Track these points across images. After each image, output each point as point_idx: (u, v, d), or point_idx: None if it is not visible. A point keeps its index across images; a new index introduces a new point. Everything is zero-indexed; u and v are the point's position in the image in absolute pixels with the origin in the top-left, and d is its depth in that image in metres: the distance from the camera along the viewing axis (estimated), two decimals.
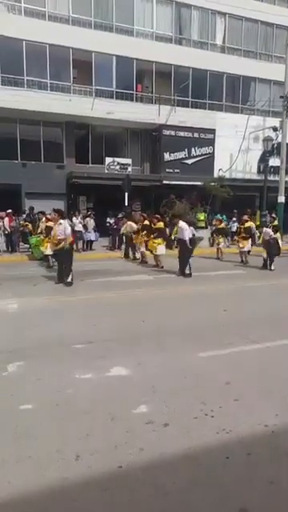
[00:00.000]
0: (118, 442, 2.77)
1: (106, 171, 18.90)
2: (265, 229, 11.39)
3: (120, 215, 15.23)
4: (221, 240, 13.26)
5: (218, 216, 16.00)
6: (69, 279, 8.35)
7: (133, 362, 4.19)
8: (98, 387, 3.64)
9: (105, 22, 18.43)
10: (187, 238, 9.78)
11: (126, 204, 16.01)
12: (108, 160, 19.09)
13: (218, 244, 13.20)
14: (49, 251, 10.50)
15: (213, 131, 20.22)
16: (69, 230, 8.53)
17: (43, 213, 12.52)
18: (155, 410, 3.21)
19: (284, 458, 2.66)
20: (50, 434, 2.87)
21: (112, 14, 18.47)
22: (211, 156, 20.46)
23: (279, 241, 11.67)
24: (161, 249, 10.99)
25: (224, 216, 17.24)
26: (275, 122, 19.27)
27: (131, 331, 5.29)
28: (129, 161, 19.44)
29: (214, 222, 15.14)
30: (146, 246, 11.58)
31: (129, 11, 18.74)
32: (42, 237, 11.44)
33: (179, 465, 2.57)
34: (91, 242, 15.00)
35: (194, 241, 10.44)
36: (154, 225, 11.31)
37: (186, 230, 9.78)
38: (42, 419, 3.08)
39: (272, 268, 10.87)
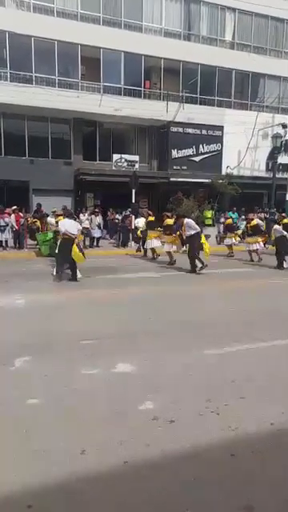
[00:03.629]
0: (124, 438, 2.78)
1: (114, 168, 18.90)
2: (276, 226, 11.23)
3: (127, 212, 15.23)
4: (229, 237, 13.19)
5: (230, 214, 15.91)
6: (78, 275, 8.38)
7: (139, 358, 4.20)
8: (104, 383, 3.65)
9: (113, 18, 18.37)
10: (199, 229, 9.83)
11: (134, 201, 16.01)
12: (115, 157, 19.09)
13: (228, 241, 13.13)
14: None
15: (221, 128, 20.09)
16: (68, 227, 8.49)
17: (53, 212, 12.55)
18: (161, 406, 3.22)
19: (283, 453, 2.65)
20: (56, 429, 2.89)
21: (121, 9, 18.40)
22: (219, 153, 20.34)
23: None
24: (168, 245, 10.95)
25: (236, 214, 17.15)
26: (284, 118, 19.13)
27: (138, 328, 5.29)
28: (136, 158, 19.41)
29: (221, 220, 15.08)
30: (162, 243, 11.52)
31: (137, 7, 18.66)
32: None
33: (184, 461, 2.57)
34: (97, 238, 15.03)
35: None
36: (164, 222, 11.30)
37: (193, 226, 9.76)
38: (48, 414, 3.09)
39: (285, 266, 10.68)
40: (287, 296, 7.77)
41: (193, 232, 9.73)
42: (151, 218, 12.06)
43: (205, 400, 3.32)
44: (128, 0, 18.42)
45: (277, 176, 18.12)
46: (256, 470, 2.51)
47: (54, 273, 8.58)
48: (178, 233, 10.66)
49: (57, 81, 17.87)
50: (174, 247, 10.92)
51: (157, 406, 3.22)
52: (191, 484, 2.36)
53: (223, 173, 19.97)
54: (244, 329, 5.31)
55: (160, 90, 19.69)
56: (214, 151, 20.28)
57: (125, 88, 18.97)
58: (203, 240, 10.00)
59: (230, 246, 13.05)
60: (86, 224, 14.42)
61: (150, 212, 12.85)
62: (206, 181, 19.08)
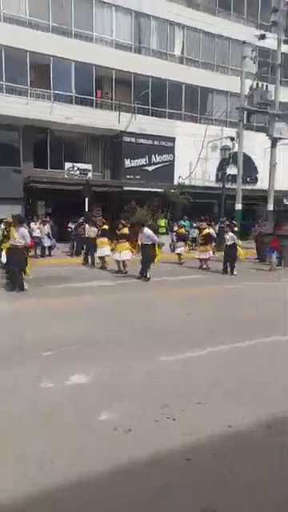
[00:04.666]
0: (83, 451, 2.64)
1: (66, 176, 18.56)
2: (230, 233, 11.53)
3: (80, 220, 14.95)
4: (180, 245, 13.40)
5: (182, 222, 16.19)
6: (24, 286, 8.00)
7: (97, 367, 4.06)
8: (62, 395, 3.48)
9: (63, 27, 18.24)
10: (157, 240, 9.99)
11: (87, 209, 15.77)
12: (68, 165, 18.77)
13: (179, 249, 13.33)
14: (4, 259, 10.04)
15: (172, 139, 20.56)
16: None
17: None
18: (118, 416, 3.11)
19: (246, 458, 2.63)
20: (11, 444, 2.70)
21: (71, 19, 18.34)
22: (171, 163, 20.76)
23: (238, 247, 11.97)
24: (126, 254, 10.84)
25: (187, 222, 17.46)
26: (232, 132, 19.94)
27: (94, 337, 5.11)
28: (89, 166, 19.23)
29: (174, 228, 15.30)
30: (112, 250, 11.39)
31: (88, 17, 18.71)
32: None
33: (144, 470, 2.48)
34: (49, 247, 14.56)
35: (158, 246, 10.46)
36: (119, 230, 11.20)
37: (151, 236, 9.81)
38: (3, 429, 2.89)
39: (235, 273, 11.05)
40: (239, 301, 7.95)
41: (149, 242, 9.77)
42: (105, 227, 11.93)
43: (163, 407, 3.24)
44: (78, 10, 18.42)
45: (226, 186, 18.81)
46: (214, 473, 2.45)
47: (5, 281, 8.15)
48: (135, 240, 10.63)
49: (4, 86, 17.31)
50: (128, 256, 10.82)
51: (115, 415, 3.11)
52: (151, 492, 2.28)
53: (175, 183, 20.37)
54: (200, 334, 5.33)
55: (112, 100, 19.78)
56: (167, 161, 20.67)
57: (76, 97, 18.81)
58: (157, 251, 10.09)
59: (179, 254, 13.24)
60: (38, 233, 13.93)
61: (103, 220, 12.70)
62: (159, 190, 19.33)
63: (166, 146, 20.56)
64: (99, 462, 2.51)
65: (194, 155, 20.92)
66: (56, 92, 18.34)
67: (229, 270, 11.10)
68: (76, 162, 19.07)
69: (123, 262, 10.90)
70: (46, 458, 2.54)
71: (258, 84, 18.55)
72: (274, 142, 18.51)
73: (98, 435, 2.85)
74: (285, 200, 23.90)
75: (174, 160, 20.80)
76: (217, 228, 16.15)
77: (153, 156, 20.30)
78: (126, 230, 11.21)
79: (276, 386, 3.70)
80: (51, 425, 2.97)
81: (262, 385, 3.71)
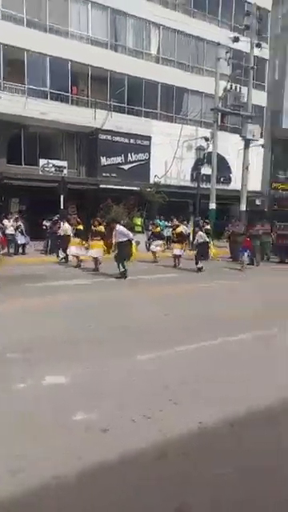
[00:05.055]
0: (55, 452, 2.66)
1: (41, 173, 18.29)
2: (200, 233, 11.86)
3: (55, 218, 14.80)
4: (155, 244, 13.56)
5: (157, 221, 16.34)
6: None
7: (73, 367, 4.08)
8: (37, 395, 3.48)
9: (38, 21, 17.90)
10: (132, 237, 10.05)
11: (62, 207, 15.63)
12: (42, 162, 18.51)
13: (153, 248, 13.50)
14: None
15: (148, 138, 20.66)
16: None
17: None
18: (94, 416, 3.15)
19: (216, 455, 2.75)
20: None
21: (46, 13, 18.02)
22: (147, 162, 20.86)
23: (210, 245, 12.29)
24: (98, 251, 10.87)
25: (163, 221, 17.62)
26: (206, 132, 20.27)
27: (70, 337, 5.12)
28: (64, 163, 19.04)
29: (150, 227, 15.44)
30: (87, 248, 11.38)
31: (63, 12, 18.44)
32: None
33: (118, 469, 2.54)
34: (23, 245, 14.35)
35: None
36: (95, 227, 11.21)
37: (125, 232, 9.88)
38: None
39: (199, 266, 11.37)
40: (212, 299, 8.17)
41: (124, 239, 9.84)
42: (80, 226, 11.90)
43: (137, 406, 3.32)
44: (53, 4, 18.12)
45: (201, 186, 19.13)
46: (186, 471, 2.56)
47: None
48: (111, 241, 10.66)
49: None
50: (98, 254, 10.85)
51: (90, 415, 3.15)
52: (123, 492, 2.35)
53: (151, 181, 20.50)
54: (175, 332, 5.45)
55: (88, 97, 19.62)
56: (142, 160, 20.75)
57: (51, 92, 18.53)
58: (133, 248, 10.17)
59: (154, 253, 13.42)
60: (11, 230, 13.69)
61: (78, 220, 12.66)
62: (135, 189, 19.40)
63: (141, 144, 20.63)
64: (74, 463, 2.54)
65: (170, 154, 21.13)
66: (30, 87, 18.01)
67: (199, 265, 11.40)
68: (51, 159, 18.84)
69: (95, 259, 10.94)
70: (18, 461, 2.54)
71: (231, 86, 18.94)
72: (247, 143, 18.99)
73: (73, 435, 2.87)
74: (257, 201, 24.60)
75: (149, 159, 20.91)
76: (190, 227, 16.45)
77: (129, 154, 20.33)
78: (101, 228, 11.24)
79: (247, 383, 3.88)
80: (23, 426, 2.96)
81: (229, 383, 3.88)
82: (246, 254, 12.45)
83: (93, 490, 2.34)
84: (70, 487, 2.37)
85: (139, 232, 17.07)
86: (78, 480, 2.42)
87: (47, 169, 18.53)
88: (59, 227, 13.51)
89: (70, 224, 12.62)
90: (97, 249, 10.85)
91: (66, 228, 12.68)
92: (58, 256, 12.84)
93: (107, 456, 2.63)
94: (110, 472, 2.51)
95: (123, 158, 20.19)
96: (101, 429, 2.95)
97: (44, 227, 15.30)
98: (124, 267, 9.82)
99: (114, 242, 10.16)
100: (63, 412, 3.19)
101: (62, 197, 15.55)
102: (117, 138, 19.85)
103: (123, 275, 9.77)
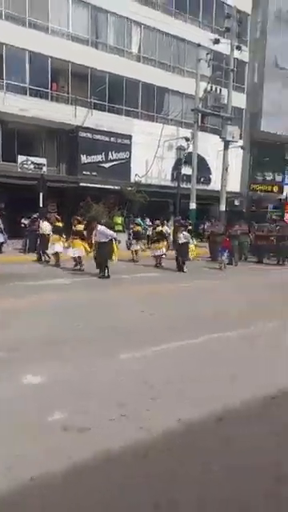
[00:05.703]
0: (31, 453, 2.61)
1: (19, 170, 17.96)
2: (184, 233, 11.90)
3: (34, 216, 14.57)
4: (136, 243, 13.56)
5: (138, 220, 16.34)
6: None
7: (55, 367, 4.03)
8: (13, 396, 3.41)
9: (18, 15, 17.56)
10: (115, 236, 10.03)
11: (41, 205, 15.40)
12: (21, 158, 18.17)
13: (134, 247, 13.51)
14: None
15: (129, 137, 20.63)
16: None
17: None
18: (72, 415, 3.11)
19: (197, 451, 2.77)
20: None
21: (25, 7, 17.69)
22: (128, 161, 20.82)
23: (191, 245, 12.39)
24: (79, 250, 10.75)
25: (143, 220, 17.62)
26: (187, 132, 20.42)
27: (49, 337, 5.05)
28: (44, 160, 18.76)
29: (130, 226, 15.43)
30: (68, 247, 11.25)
31: (44, 7, 18.16)
32: None
33: (96, 469, 2.51)
34: (1, 244, 14.05)
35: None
36: (75, 226, 11.10)
37: (106, 232, 9.83)
38: None
39: (185, 270, 11.46)
40: (193, 298, 8.24)
41: (106, 239, 9.79)
42: (59, 224, 11.77)
43: (117, 404, 3.30)
44: None
45: (181, 186, 19.26)
46: (167, 468, 2.57)
47: None
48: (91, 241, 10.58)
49: None
50: (79, 252, 10.77)
51: (68, 415, 3.11)
52: (103, 491, 2.33)
53: (132, 180, 20.48)
54: (156, 331, 5.47)
55: (68, 93, 19.40)
56: (123, 159, 20.70)
57: (31, 88, 18.23)
58: (115, 247, 10.14)
59: (135, 252, 13.43)
60: None
61: (57, 217, 12.51)
62: (116, 187, 19.35)
63: (122, 143, 20.58)
64: (55, 463, 2.51)
65: (151, 154, 21.17)
66: (9, 82, 17.66)
67: (181, 267, 11.49)
68: (30, 156, 18.53)
69: (78, 258, 10.84)
70: None
71: (212, 87, 19.16)
72: (227, 144, 19.25)
73: (53, 435, 2.83)
74: (236, 201, 25.00)
75: (130, 158, 20.88)
76: (170, 227, 16.51)
77: (109, 153, 20.24)
78: (81, 227, 11.14)
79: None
80: (1, 426, 2.91)
81: (214, 381, 3.93)
82: (225, 254, 12.62)
83: (77, 490, 2.32)
84: (53, 487, 2.33)
85: (120, 231, 17.02)
86: (60, 480, 2.39)
87: (26, 166, 18.22)
88: (38, 225, 13.30)
89: (49, 222, 12.45)
90: (78, 248, 10.75)
91: (45, 227, 12.50)
92: (38, 255, 12.62)
93: (90, 455, 2.61)
94: (94, 471, 2.49)
95: (104, 156, 20.08)
96: (83, 428, 2.92)
97: (22, 225, 15.03)
98: (107, 267, 9.75)
99: (93, 241, 10.10)
100: (44, 412, 3.15)
101: (41, 195, 15.32)
102: (97, 136, 19.73)
103: (104, 275, 9.72)
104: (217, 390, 3.69)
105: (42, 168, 18.38)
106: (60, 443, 2.75)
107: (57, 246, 11.44)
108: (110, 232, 10.08)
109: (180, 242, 11.68)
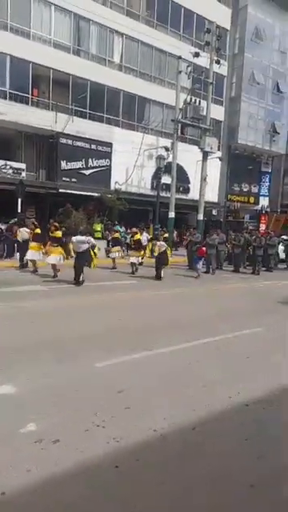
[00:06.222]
0: (1, 466, 2.57)
1: None
2: (159, 242, 12.07)
3: (12, 221, 14.37)
4: (114, 250, 13.58)
5: (117, 227, 16.37)
6: None
7: (23, 377, 3.97)
8: None
9: None
10: (93, 242, 10.10)
11: (20, 210, 15.20)
12: (0, 163, 17.91)
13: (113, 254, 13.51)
14: None
15: (110, 145, 20.73)
16: None
17: None
18: (45, 426, 3.09)
19: (170, 461, 2.81)
20: None
21: (7, 11, 17.60)
22: (108, 168, 20.89)
23: (168, 252, 12.53)
24: (56, 258, 10.66)
25: (123, 228, 17.66)
26: (167, 142, 20.71)
27: (22, 345, 4.99)
28: (23, 166, 18.56)
29: (106, 233, 15.47)
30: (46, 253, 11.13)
31: (25, 12, 18.12)
32: None
33: (69, 481, 2.51)
34: None
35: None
36: (52, 233, 10.99)
37: (84, 240, 9.81)
38: None
39: (162, 277, 11.57)
40: (170, 306, 8.32)
41: (84, 249, 9.77)
42: (37, 231, 11.63)
43: (91, 414, 3.30)
44: (15, 3, 17.75)
45: (160, 194, 19.46)
46: (139, 478, 2.59)
47: None
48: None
49: None
50: (55, 260, 10.67)
51: (40, 426, 3.08)
52: (74, 504, 2.33)
53: (112, 188, 20.54)
54: (132, 339, 5.48)
55: (49, 99, 19.35)
56: (103, 166, 20.76)
57: (10, 92, 18.08)
58: (93, 255, 10.14)
59: (113, 259, 13.44)
60: None
61: (35, 223, 12.38)
62: (96, 194, 19.35)
63: (103, 150, 20.65)
64: (21, 477, 2.48)
65: (131, 162, 21.33)
66: None
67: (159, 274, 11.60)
68: (8, 160, 18.29)
69: (53, 265, 10.74)
70: None
71: (191, 99, 19.55)
72: (205, 155, 19.64)
73: (21, 448, 2.79)
74: (213, 211, 25.48)
75: (110, 165, 20.96)
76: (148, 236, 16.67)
77: (90, 160, 20.26)
78: (58, 234, 11.04)
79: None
80: None
81: (188, 389, 3.98)
82: (200, 262, 12.80)
83: (44, 503, 2.30)
84: (17, 502, 2.31)
85: (99, 238, 17.02)
86: (26, 494, 2.36)
87: (4, 170, 17.96)
88: (16, 231, 13.10)
89: (30, 229, 12.25)
90: (54, 255, 10.64)
91: (23, 233, 12.30)
92: (21, 262, 12.39)
93: (58, 468, 2.59)
94: (62, 484, 2.47)
95: (84, 163, 20.08)
96: (51, 440, 2.89)
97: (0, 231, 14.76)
98: (82, 274, 9.75)
99: (72, 250, 10.11)
100: (9, 425, 3.08)
101: (19, 200, 15.13)
102: (78, 143, 19.73)
103: (79, 281, 9.70)
104: (191, 398, 3.75)
105: (20, 173, 18.18)
106: (32, 456, 2.72)
107: (34, 252, 11.29)
108: (88, 238, 10.03)
109: (160, 251, 11.79)
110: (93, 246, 10.21)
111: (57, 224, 11.56)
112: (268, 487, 2.61)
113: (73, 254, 10.36)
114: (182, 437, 3.09)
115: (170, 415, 3.37)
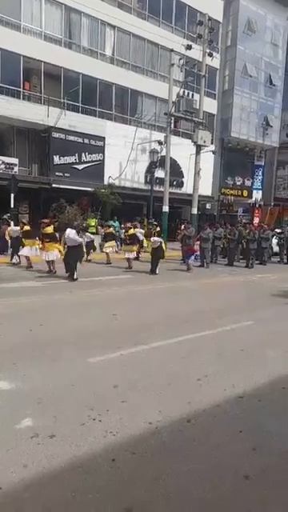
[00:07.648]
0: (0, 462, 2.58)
1: None
2: (154, 238, 12.10)
3: (5, 217, 14.27)
4: (108, 245, 13.55)
5: (111, 222, 16.33)
6: None
7: (18, 373, 3.97)
8: None
9: None
10: (80, 241, 9.95)
11: (12, 206, 15.10)
12: None
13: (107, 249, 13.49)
14: None
15: (102, 139, 20.60)
16: None
17: None
18: (40, 422, 3.10)
19: (166, 453, 2.83)
20: None
21: None
22: (101, 163, 20.78)
23: (163, 246, 12.54)
24: (53, 254, 10.61)
25: (117, 222, 17.62)
26: (160, 136, 20.62)
27: (17, 341, 4.98)
28: (15, 160, 18.40)
29: (99, 227, 15.43)
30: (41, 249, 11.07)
31: (16, 5, 17.84)
32: None
33: (65, 476, 2.52)
34: None
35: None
36: (43, 229, 10.92)
37: (75, 236, 9.76)
38: None
39: (157, 272, 11.58)
40: (165, 300, 8.34)
41: (75, 244, 9.73)
42: (27, 228, 11.56)
43: (87, 409, 3.32)
44: None
45: (154, 189, 19.43)
46: (135, 471, 2.61)
47: None
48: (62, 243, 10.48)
49: None
50: (53, 256, 10.63)
51: (36, 422, 3.09)
52: (72, 498, 2.34)
53: (105, 182, 20.45)
54: (126, 334, 5.50)
55: (41, 93, 19.14)
56: (97, 161, 20.64)
57: (1, 86, 17.84)
58: (84, 251, 10.12)
59: (107, 254, 13.42)
60: None
61: (23, 221, 12.29)
62: (89, 189, 19.26)
63: (96, 145, 20.53)
64: (18, 472, 2.50)
65: (124, 156, 21.23)
66: None
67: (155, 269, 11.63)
68: (1, 155, 18.12)
69: (52, 262, 10.70)
70: None
71: (184, 92, 19.45)
72: (198, 149, 19.59)
73: (17, 443, 2.80)
74: (207, 205, 25.50)
75: (104, 160, 20.85)
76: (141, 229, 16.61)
77: (83, 154, 20.13)
78: (50, 229, 10.96)
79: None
80: None
81: (183, 382, 4.01)
82: (192, 257, 12.84)
83: (41, 498, 2.31)
84: (14, 497, 2.32)
85: (93, 233, 16.97)
86: (22, 490, 2.37)
87: None
88: (6, 228, 13.02)
89: (19, 227, 12.17)
90: (52, 251, 10.59)
91: (14, 230, 12.22)
92: (11, 257, 12.34)
93: (55, 462, 2.61)
94: (59, 479, 2.48)
95: (77, 157, 19.95)
96: (47, 435, 2.91)
97: None
98: (75, 270, 9.71)
99: (63, 245, 10.05)
100: (4, 421, 3.09)
101: (12, 195, 15.02)
102: (70, 137, 19.58)
103: (73, 278, 9.68)
104: (186, 391, 3.78)
105: (13, 168, 18.02)
106: (28, 451, 2.73)
107: (28, 249, 11.23)
108: (79, 239, 9.98)
109: (154, 246, 11.80)
110: (78, 242, 10.09)
111: (46, 220, 11.47)
112: (263, 479, 2.64)
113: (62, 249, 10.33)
114: (177, 429, 3.12)
115: (165, 408, 3.40)
